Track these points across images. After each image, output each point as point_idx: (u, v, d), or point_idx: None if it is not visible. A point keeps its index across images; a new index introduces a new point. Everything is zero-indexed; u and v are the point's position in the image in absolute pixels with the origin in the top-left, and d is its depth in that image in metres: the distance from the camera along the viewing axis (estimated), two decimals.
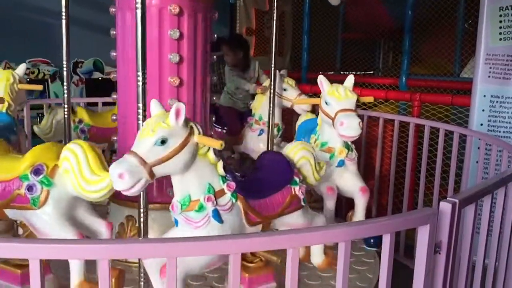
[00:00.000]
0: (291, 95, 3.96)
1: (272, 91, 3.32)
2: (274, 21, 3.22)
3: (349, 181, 3.07)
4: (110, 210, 3.11)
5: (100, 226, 2.35)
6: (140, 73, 2.17)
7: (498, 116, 3.87)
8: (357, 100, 2.88)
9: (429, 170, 3.91)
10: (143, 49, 2.16)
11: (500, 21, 3.82)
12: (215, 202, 2.12)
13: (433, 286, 1.78)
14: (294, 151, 2.58)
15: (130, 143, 2.89)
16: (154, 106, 2.02)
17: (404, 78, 5.44)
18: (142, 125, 2.04)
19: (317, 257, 2.65)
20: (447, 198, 1.77)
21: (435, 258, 1.76)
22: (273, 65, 3.30)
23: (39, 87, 3.61)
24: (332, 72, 6.88)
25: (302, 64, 6.57)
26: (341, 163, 3.03)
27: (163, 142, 1.90)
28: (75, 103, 4.41)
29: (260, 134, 4.07)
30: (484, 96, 3.92)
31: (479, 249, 2.23)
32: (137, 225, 2.47)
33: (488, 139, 3.38)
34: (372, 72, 7.55)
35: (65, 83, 3.24)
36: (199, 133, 2.01)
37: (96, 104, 4.56)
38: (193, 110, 2.98)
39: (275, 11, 3.22)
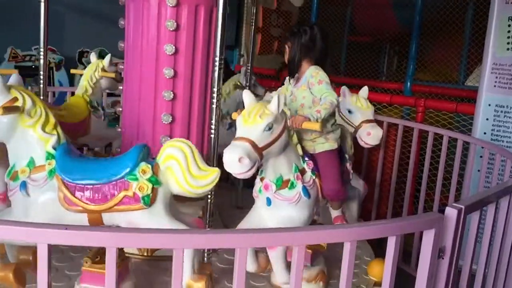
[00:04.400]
0: None
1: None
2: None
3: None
4: None
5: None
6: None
7: (502, 125, 3.88)
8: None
9: (430, 177, 3.92)
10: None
11: (509, 31, 3.82)
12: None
13: None
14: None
15: (139, 132, 2.91)
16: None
17: (409, 83, 5.45)
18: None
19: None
20: (453, 204, 1.77)
21: (438, 262, 1.77)
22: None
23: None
24: (337, 76, 6.87)
25: None
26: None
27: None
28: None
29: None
30: (489, 105, 3.92)
31: (481, 257, 2.24)
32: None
33: (492, 148, 3.39)
34: (376, 77, 7.55)
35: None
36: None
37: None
38: (189, 103, 2.93)
39: None
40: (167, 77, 2.83)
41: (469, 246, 2.07)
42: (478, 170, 3.59)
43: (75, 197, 2.17)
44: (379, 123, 4.22)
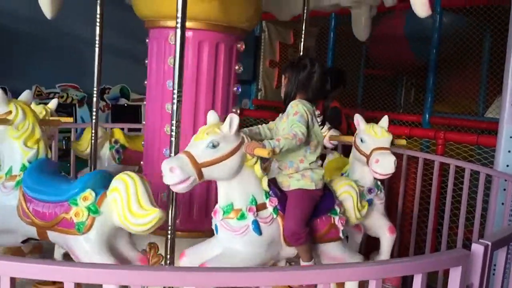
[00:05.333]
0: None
1: None
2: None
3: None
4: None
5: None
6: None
7: None
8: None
9: (452, 210, 3.86)
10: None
11: None
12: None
13: None
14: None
15: (156, 167, 2.93)
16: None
17: (427, 116, 5.43)
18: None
19: None
20: (480, 240, 1.74)
21: None
22: None
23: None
24: (354, 108, 6.88)
25: None
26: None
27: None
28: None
29: None
30: (511, 137, 3.88)
31: None
32: (158, 252, 2.48)
33: None
34: (393, 109, 7.55)
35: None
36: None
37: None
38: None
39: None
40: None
41: (497, 283, 2.02)
42: (502, 203, 3.52)
43: (28, 209, 2.28)
44: (398, 156, 4.22)
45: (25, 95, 2.55)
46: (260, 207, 2.25)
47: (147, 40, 3.11)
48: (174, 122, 2.23)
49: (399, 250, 4.15)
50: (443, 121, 5.66)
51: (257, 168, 2.23)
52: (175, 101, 2.26)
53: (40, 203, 2.28)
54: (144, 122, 3.23)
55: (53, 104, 3.59)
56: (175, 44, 2.22)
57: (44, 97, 5.58)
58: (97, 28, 3.12)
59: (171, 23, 2.85)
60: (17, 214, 2.31)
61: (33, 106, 3.33)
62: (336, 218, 2.50)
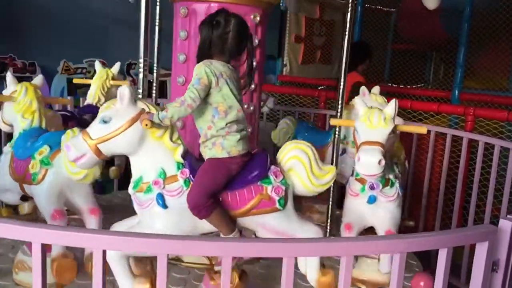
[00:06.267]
0: None
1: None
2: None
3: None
4: None
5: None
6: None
7: None
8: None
9: (480, 188, 3.80)
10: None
11: None
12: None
13: None
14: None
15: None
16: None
17: (456, 92, 5.32)
18: None
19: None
20: (508, 216, 1.72)
21: (491, 276, 1.72)
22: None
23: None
24: (381, 84, 6.78)
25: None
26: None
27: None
28: None
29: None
30: None
31: None
32: None
33: None
34: (421, 85, 7.41)
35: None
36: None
37: None
38: None
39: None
40: None
41: None
42: None
43: (12, 167, 2.69)
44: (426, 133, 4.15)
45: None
46: (171, 179, 2.18)
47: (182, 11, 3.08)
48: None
49: (424, 227, 4.12)
50: (473, 97, 5.53)
51: (166, 139, 2.16)
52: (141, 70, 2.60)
53: (18, 161, 2.65)
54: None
55: (115, 68, 3.81)
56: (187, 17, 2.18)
57: (72, 72, 5.66)
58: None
59: None
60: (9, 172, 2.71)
61: (98, 68, 3.75)
62: (269, 187, 2.24)
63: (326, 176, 2.32)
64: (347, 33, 2.85)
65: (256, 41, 2.94)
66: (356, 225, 2.69)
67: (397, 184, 2.61)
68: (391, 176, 2.60)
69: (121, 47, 5.44)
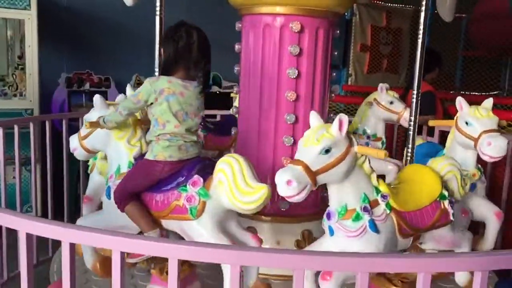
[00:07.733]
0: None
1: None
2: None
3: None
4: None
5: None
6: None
7: None
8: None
9: None
10: None
11: None
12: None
13: None
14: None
15: (250, 154, 2.99)
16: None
17: None
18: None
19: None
20: None
21: None
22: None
23: None
24: (452, 92, 6.55)
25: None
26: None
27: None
28: None
29: None
30: None
31: None
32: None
33: None
34: (496, 92, 7.06)
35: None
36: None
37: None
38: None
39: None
40: (290, 100, 2.90)
41: None
42: None
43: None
44: None
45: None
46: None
47: (238, 25, 3.12)
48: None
49: (502, 245, 3.89)
50: None
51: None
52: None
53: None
54: (234, 109, 3.25)
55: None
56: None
57: None
58: None
59: (267, 9, 2.89)
60: None
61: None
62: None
63: (254, 194, 2.14)
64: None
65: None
66: None
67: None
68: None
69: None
